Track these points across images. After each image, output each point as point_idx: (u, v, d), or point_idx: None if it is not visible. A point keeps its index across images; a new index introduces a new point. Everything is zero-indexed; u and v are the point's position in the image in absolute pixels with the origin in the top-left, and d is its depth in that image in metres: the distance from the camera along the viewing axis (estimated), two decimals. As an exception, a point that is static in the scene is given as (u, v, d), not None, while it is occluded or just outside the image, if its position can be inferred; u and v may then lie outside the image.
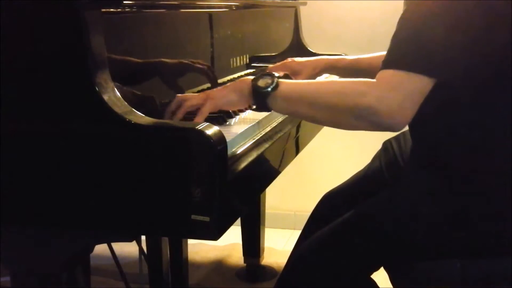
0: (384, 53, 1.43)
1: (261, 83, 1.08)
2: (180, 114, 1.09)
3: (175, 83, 1.27)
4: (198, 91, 1.29)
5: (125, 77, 1.03)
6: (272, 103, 1.07)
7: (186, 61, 1.30)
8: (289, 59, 1.46)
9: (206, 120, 1.06)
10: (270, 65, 1.49)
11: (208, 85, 1.38)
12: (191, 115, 1.09)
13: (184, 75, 1.32)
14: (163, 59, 1.21)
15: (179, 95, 1.12)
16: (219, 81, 1.43)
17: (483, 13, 0.99)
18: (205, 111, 1.09)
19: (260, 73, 1.10)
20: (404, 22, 1.02)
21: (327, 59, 1.48)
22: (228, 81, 1.49)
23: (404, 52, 1.00)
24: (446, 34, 0.98)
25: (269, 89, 1.06)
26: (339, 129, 1.09)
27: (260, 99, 1.08)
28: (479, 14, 0.99)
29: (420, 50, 0.98)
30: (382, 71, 1.01)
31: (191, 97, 1.11)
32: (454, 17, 0.98)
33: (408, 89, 0.98)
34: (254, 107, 1.11)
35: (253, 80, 1.09)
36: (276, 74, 1.09)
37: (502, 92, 1.05)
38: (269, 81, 1.07)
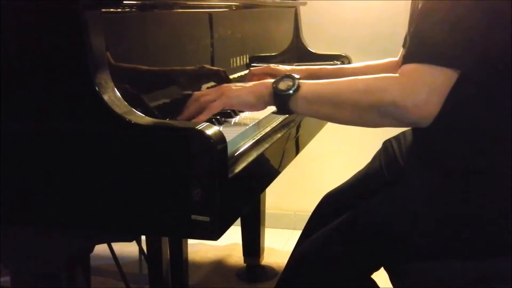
0: (369, 63, 1.44)
1: (282, 85, 1.07)
2: (193, 108, 1.08)
3: (189, 87, 1.27)
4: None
5: (128, 79, 1.03)
6: (294, 105, 1.06)
7: (201, 66, 1.31)
8: (272, 65, 1.46)
9: (206, 120, 1.06)
10: (252, 68, 1.48)
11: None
12: None
13: (199, 79, 1.33)
14: (180, 67, 1.22)
15: (197, 92, 1.11)
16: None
17: (505, 7, 0.98)
18: (216, 107, 1.08)
19: (281, 76, 1.09)
20: (424, 16, 1.01)
21: (309, 68, 1.47)
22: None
23: (428, 45, 0.98)
24: (467, 26, 0.97)
25: (291, 91, 1.05)
26: (365, 127, 1.08)
27: (281, 102, 1.07)
28: (500, 7, 0.98)
29: (444, 43, 0.97)
30: (405, 65, 1.00)
31: (206, 92, 1.11)
32: (473, 9, 0.97)
33: (433, 82, 0.97)
34: (276, 110, 1.10)
35: (273, 83, 1.08)
36: (297, 76, 1.08)
37: (505, 92, 1.05)
38: (290, 83, 1.06)
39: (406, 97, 0.97)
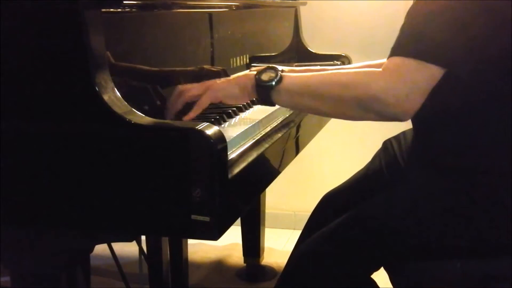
0: (369, 63, 1.44)
1: (265, 77, 1.07)
2: (179, 104, 1.08)
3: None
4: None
5: (128, 79, 1.03)
6: (276, 97, 1.07)
7: (201, 67, 1.31)
8: (272, 66, 1.45)
9: (206, 120, 1.06)
10: (252, 69, 1.48)
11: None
12: (191, 107, 1.08)
13: (199, 79, 1.33)
14: (178, 68, 1.21)
15: (180, 85, 1.11)
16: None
17: (498, 8, 0.98)
18: (204, 103, 1.08)
19: (264, 67, 1.09)
20: (414, 12, 1.01)
21: (309, 69, 1.47)
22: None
23: (413, 40, 0.98)
24: (458, 25, 0.97)
25: (273, 82, 1.06)
26: (345, 120, 1.08)
27: (264, 93, 1.07)
28: (493, 8, 0.98)
29: (430, 39, 0.97)
30: (390, 58, 1.00)
31: (191, 87, 1.10)
32: (466, 8, 0.97)
33: (415, 78, 0.97)
34: (257, 101, 1.11)
35: (256, 74, 1.08)
36: (280, 68, 1.08)
37: (505, 93, 1.05)
38: (273, 74, 1.07)
39: (388, 92, 0.97)
